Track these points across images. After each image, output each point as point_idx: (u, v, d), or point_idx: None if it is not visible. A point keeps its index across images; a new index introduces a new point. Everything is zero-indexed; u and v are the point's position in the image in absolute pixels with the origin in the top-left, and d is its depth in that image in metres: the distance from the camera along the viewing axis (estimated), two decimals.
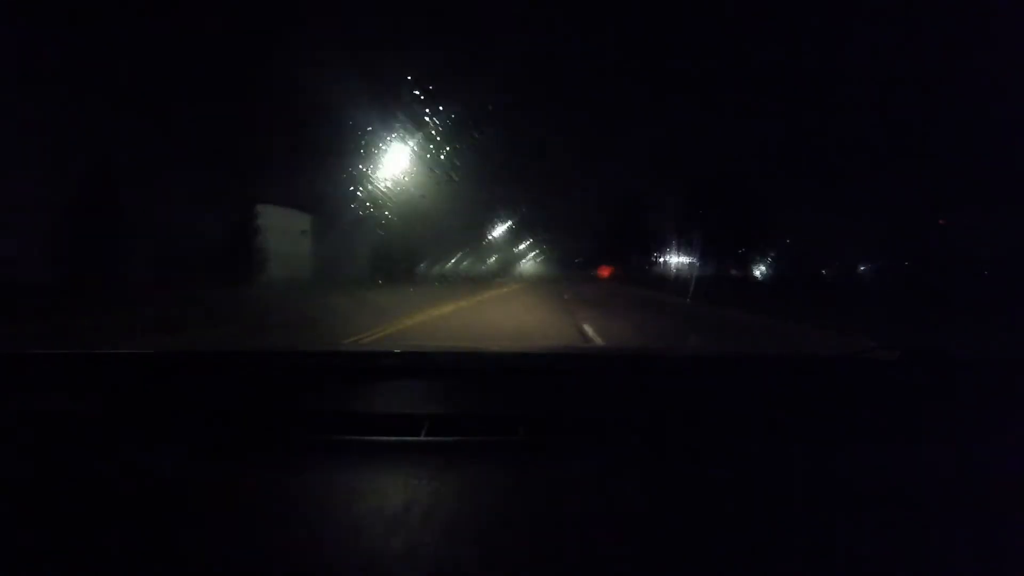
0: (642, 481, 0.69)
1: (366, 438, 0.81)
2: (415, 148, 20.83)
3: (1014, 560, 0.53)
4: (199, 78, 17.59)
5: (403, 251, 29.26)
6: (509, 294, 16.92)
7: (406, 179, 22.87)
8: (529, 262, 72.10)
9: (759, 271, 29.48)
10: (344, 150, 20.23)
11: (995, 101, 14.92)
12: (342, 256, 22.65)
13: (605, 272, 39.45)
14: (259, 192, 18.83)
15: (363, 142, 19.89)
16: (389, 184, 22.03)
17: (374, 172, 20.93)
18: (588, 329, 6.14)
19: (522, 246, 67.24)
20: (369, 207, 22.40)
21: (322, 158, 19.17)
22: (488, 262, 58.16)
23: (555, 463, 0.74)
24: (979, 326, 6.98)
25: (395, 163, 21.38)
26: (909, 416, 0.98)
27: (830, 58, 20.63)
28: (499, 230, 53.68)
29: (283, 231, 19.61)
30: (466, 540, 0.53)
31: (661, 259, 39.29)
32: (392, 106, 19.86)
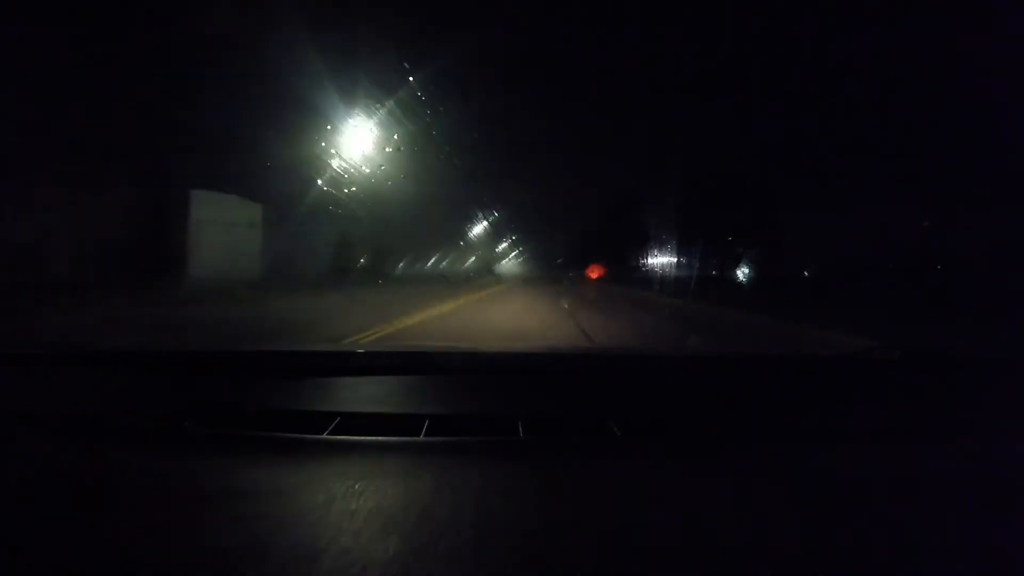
0: (642, 481, 0.68)
1: (365, 438, 0.79)
2: (392, 130, 18.23)
3: (1014, 560, 0.52)
4: (127, 34, 13.98)
5: (374, 248, 26.07)
6: (498, 297, 13.91)
7: (383, 168, 20.18)
8: (509, 262, 70.01)
9: (742, 271, 27.68)
10: (306, 130, 17.21)
11: (985, 101, 14.21)
12: (301, 253, 19.21)
13: (594, 273, 36.26)
14: (196, 176, 15.35)
15: (329, 121, 17.19)
16: (358, 171, 19.21)
17: (341, 157, 18.09)
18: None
19: (502, 245, 65.11)
20: (332, 200, 19.69)
21: (279, 138, 15.94)
22: (469, 262, 55.91)
23: (555, 463, 0.73)
24: (973, 325, 6.86)
25: (366, 148, 18.67)
26: (909, 416, 0.98)
27: (821, 57, 20.24)
28: (480, 229, 51.40)
29: (227, 223, 16.12)
30: (466, 541, 0.51)
31: (650, 259, 37.60)
32: (368, 80, 17.21)
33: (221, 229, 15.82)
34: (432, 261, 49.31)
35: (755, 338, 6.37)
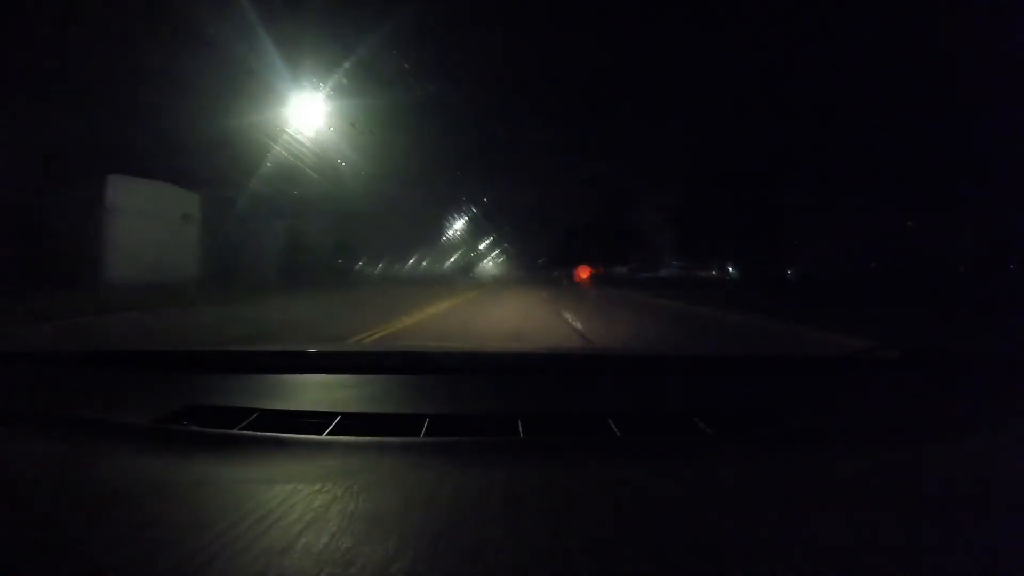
0: (642, 482, 0.68)
1: (365, 438, 0.79)
2: (364, 118, 16.03)
3: (1014, 561, 0.52)
4: None
5: (337, 246, 23.65)
6: (487, 301, 11.95)
7: (345, 153, 17.98)
8: (490, 262, 68.53)
9: (738, 272, 27.31)
10: (259, 109, 14.80)
11: (980, 102, 14.36)
12: (250, 251, 16.81)
13: (584, 274, 34.28)
14: (115, 159, 12.94)
15: (287, 101, 14.89)
16: (320, 159, 16.97)
17: (299, 141, 15.78)
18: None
19: (482, 245, 63.41)
20: (287, 191, 17.24)
21: (224, 119, 13.61)
22: (448, 262, 54.23)
23: (555, 463, 0.73)
24: (972, 325, 6.81)
25: (330, 133, 16.43)
26: (909, 416, 0.98)
27: (816, 59, 20.11)
28: (459, 229, 49.66)
29: (155, 215, 13.75)
30: (466, 541, 0.52)
31: (639, 260, 36.71)
32: (336, 57, 15.01)
33: (148, 222, 13.45)
34: (412, 261, 47.72)
35: (755, 339, 6.15)
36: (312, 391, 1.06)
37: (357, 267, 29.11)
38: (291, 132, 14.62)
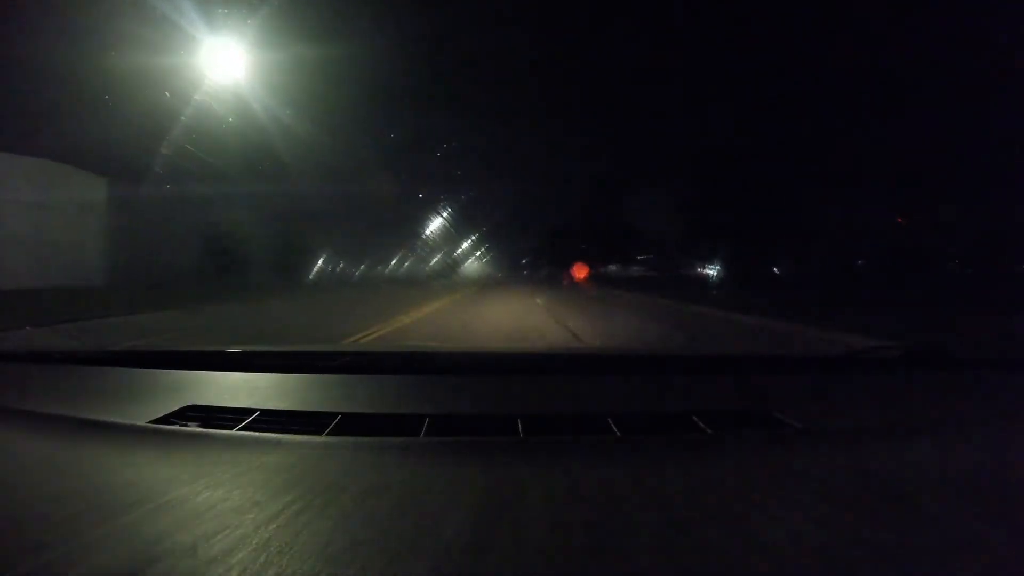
0: (642, 481, 0.69)
1: (365, 438, 0.82)
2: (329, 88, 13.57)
3: (1014, 560, 0.53)
4: None
5: (284, 243, 20.96)
6: (462, 313, 9.67)
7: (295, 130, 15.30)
8: (474, 262, 66.93)
9: (712, 270, 26.97)
10: (182, 68, 12.16)
11: (978, 101, 14.49)
12: (170, 247, 14.17)
13: (581, 273, 31.97)
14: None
15: (220, 57, 12.12)
16: (265, 137, 14.51)
17: (244, 117, 13.21)
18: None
19: (466, 244, 61.57)
20: (220, 175, 14.33)
21: (137, 82, 11.11)
22: (432, 262, 52.48)
23: (554, 462, 0.75)
24: (971, 323, 6.68)
25: (281, 103, 13.90)
26: (909, 415, 1.00)
27: (811, 57, 19.85)
28: (444, 229, 47.87)
29: (46, 203, 11.29)
30: (465, 540, 0.53)
31: (630, 259, 35.43)
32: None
33: (34, 212, 10.98)
34: (394, 263, 45.99)
35: (755, 338, 6.02)
36: (312, 391, 1.09)
37: (337, 269, 26.78)
38: (234, 108, 12.24)
